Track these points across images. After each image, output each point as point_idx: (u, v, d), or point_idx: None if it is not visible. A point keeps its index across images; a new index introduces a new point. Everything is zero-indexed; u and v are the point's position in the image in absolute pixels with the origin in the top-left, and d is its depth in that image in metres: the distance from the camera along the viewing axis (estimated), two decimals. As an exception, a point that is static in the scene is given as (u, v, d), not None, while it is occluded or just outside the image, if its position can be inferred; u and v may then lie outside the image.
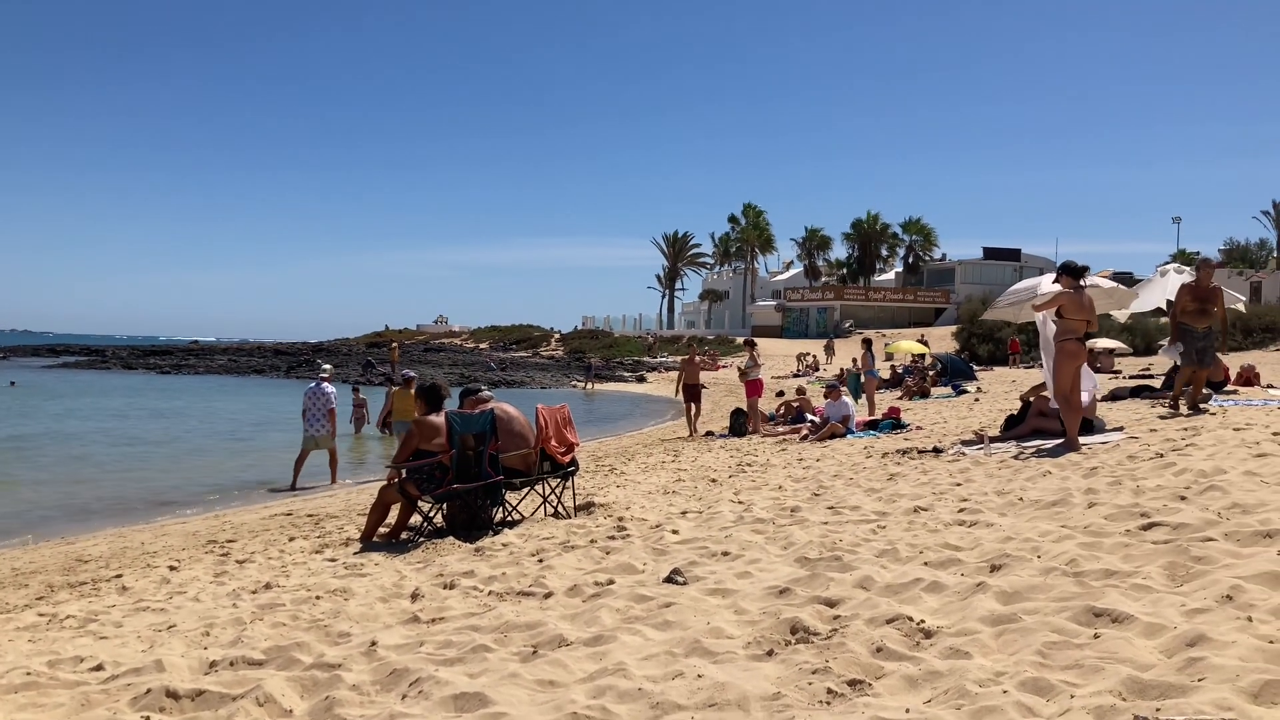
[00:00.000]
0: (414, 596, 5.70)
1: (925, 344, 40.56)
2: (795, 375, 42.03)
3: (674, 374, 52.31)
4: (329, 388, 16.39)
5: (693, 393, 19.82)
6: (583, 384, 49.69)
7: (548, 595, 5.39)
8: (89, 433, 24.59)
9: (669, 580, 5.34)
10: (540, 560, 6.58)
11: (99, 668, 4.57)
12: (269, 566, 7.71)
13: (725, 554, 6.04)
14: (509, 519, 8.84)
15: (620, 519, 8.15)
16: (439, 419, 8.52)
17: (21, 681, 4.39)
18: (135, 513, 13.82)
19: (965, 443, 11.52)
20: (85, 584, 7.69)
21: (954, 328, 57.89)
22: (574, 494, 9.40)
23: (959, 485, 8.25)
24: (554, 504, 9.17)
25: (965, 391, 25.39)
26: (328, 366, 18.28)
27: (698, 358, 21.59)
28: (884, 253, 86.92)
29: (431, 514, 8.52)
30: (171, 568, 8.09)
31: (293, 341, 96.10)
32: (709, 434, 19.09)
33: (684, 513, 8.30)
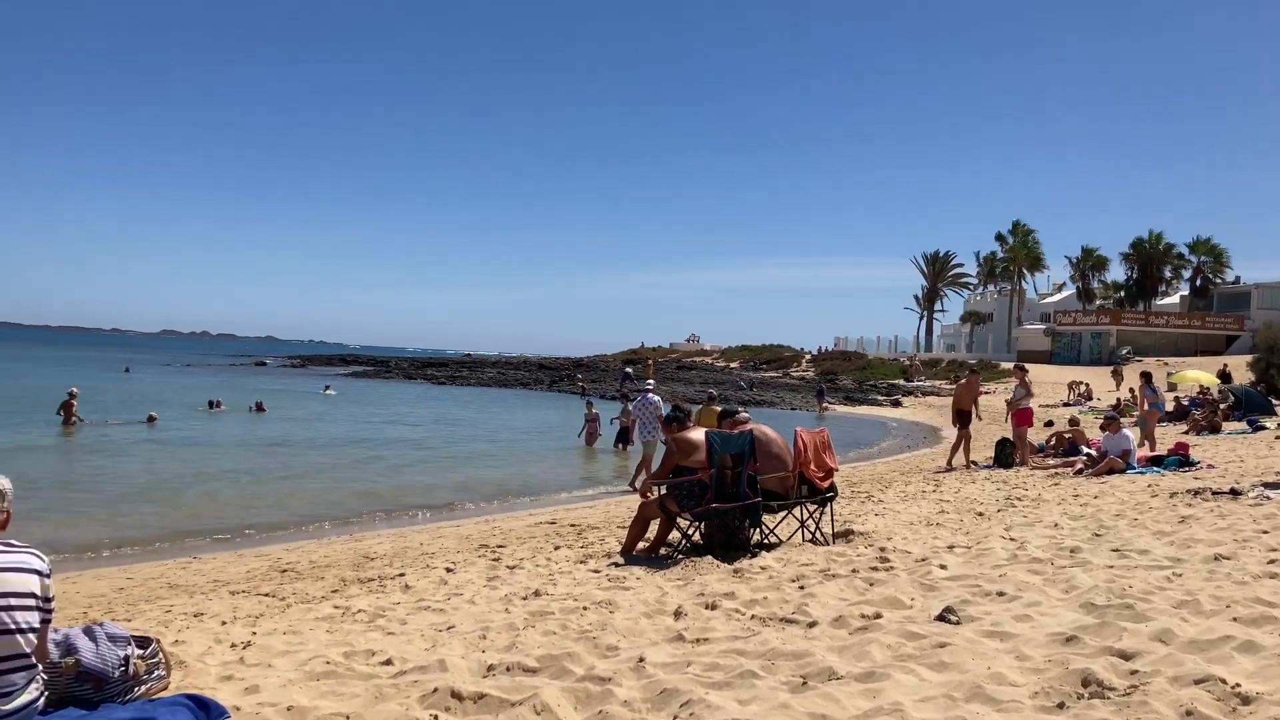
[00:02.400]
0: (677, 614, 5.74)
1: (1227, 375, 37.12)
2: (1066, 404, 39.57)
3: (932, 399, 50.77)
4: (655, 397, 17.19)
5: (965, 418, 18.91)
6: (819, 405, 48.91)
7: (812, 624, 5.29)
8: (375, 437, 26.59)
9: (941, 619, 5.11)
10: (801, 587, 6.47)
11: (388, 662, 4.87)
12: (537, 573, 8.00)
13: (1000, 594, 5.72)
14: (766, 542, 8.78)
15: (882, 549, 7.91)
16: (697, 436, 8.58)
17: (323, 669, 4.74)
18: (412, 514, 14.80)
19: (1269, 485, 10.44)
20: (373, 580, 8.26)
21: (1249, 357, 52.79)
22: (832, 520, 9.22)
23: (1265, 533, 7.47)
24: (811, 529, 9.03)
25: (1263, 428, 23.03)
26: (651, 382, 19.83)
27: (973, 382, 20.47)
28: (1167, 275, 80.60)
29: (690, 531, 8.59)
30: (448, 569, 8.55)
31: (555, 356, 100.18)
32: (972, 464, 18.26)
33: (951, 547, 7.95)
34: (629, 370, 62.96)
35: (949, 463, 18.75)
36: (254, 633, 5.99)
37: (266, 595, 7.82)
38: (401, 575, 8.38)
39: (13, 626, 3.76)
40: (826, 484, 9.14)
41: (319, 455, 22.02)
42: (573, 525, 11.83)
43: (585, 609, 6.05)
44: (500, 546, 10.10)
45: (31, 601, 3.85)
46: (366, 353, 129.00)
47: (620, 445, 24.65)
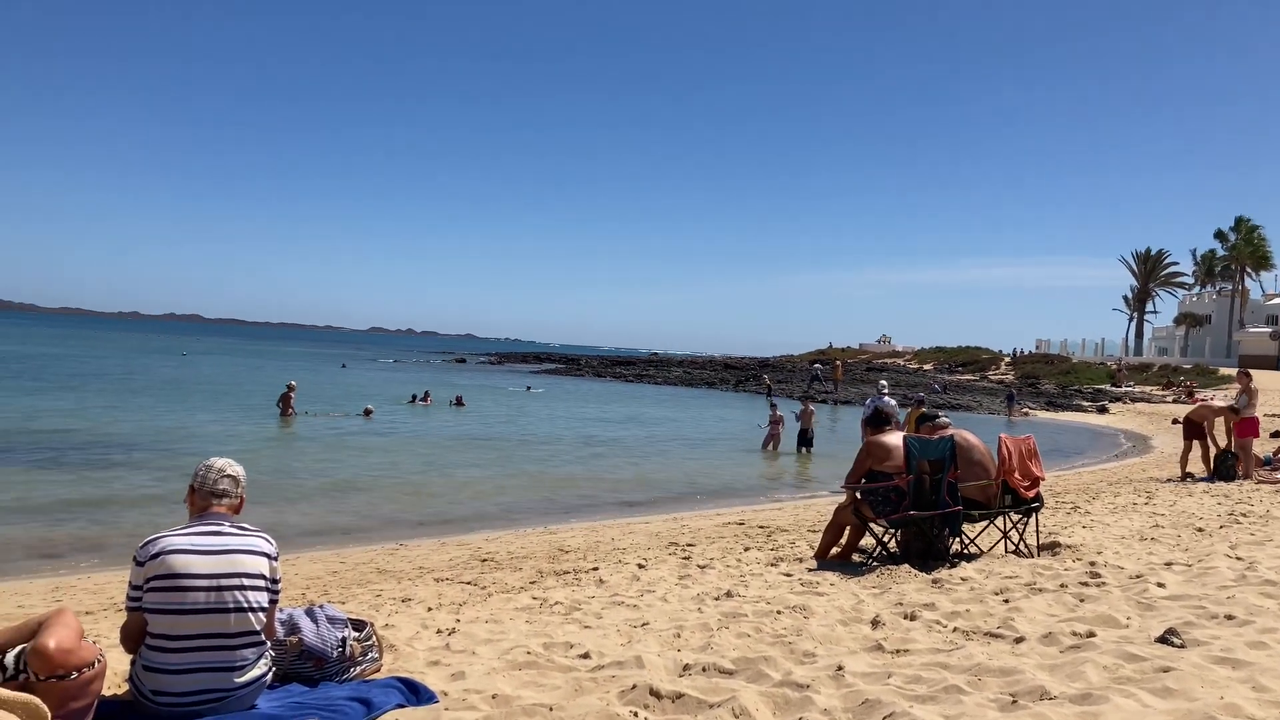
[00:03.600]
0: (875, 623, 5.60)
1: None
2: (1295, 414, 36.49)
3: (1141, 405, 47.73)
4: (890, 400, 17.05)
5: (1197, 430, 17.58)
6: (1008, 411, 46.77)
7: (1019, 640, 5.05)
8: (566, 433, 27.24)
9: (1163, 641, 4.78)
10: (1005, 600, 6.20)
11: (586, 655, 4.95)
12: (728, 574, 7.98)
13: (1229, 618, 5.30)
14: (966, 551, 8.46)
15: (1092, 564, 7.49)
16: (892, 440, 8.35)
17: (524, 659, 4.87)
18: (604, 509, 15.07)
19: None
20: (568, 573, 8.44)
21: None
22: (1037, 532, 8.80)
23: None
24: (1015, 540, 8.65)
25: None
26: (884, 382, 19.69)
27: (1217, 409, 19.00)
28: None
29: (885, 539, 8.38)
30: (640, 566, 8.64)
31: (741, 356, 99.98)
32: (1187, 476, 17.05)
33: (1168, 564, 7.44)
34: (817, 369, 62.13)
35: (1183, 473, 17.44)
36: (458, 620, 6.22)
37: (468, 583, 8.11)
38: (595, 569, 8.52)
39: (246, 605, 4.03)
40: (1032, 493, 8.73)
41: (515, 449, 22.74)
42: (761, 527, 11.75)
43: (779, 613, 5.98)
44: (690, 545, 10.14)
45: (261, 582, 4.12)
46: (562, 351, 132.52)
47: (803, 449, 24.35)
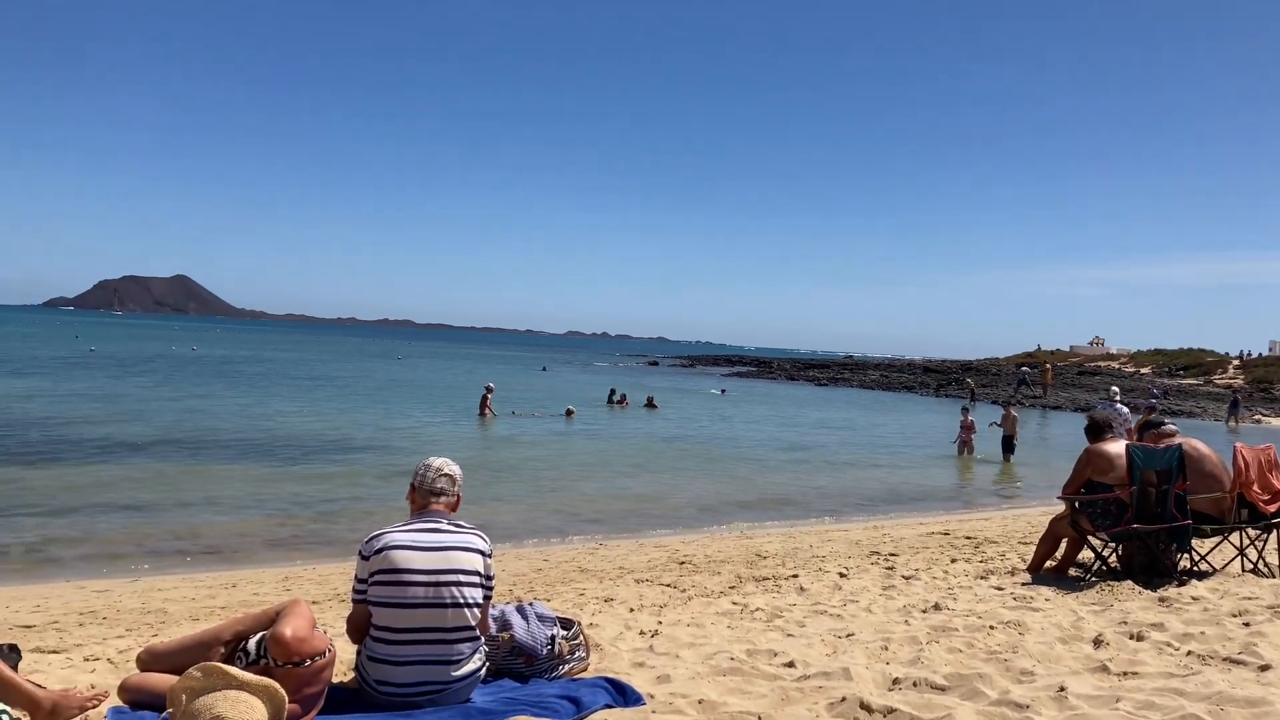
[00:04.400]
0: (1097, 643, 5.28)
1: None
2: None
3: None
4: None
5: None
6: (1232, 418, 43.24)
7: (1264, 668, 4.65)
8: (760, 436, 27.12)
9: None
10: (1245, 624, 5.72)
11: (791, 664, 4.88)
12: (934, 586, 7.72)
13: None
14: (1196, 569, 7.88)
15: (1345, 586, 6.84)
16: (1114, 449, 7.86)
17: (728, 665, 4.85)
18: (799, 514, 14.90)
19: None
20: (767, 579, 8.37)
21: None
22: (1278, 549, 8.11)
23: None
24: (1253, 559, 8.00)
25: None
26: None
27: None
28: None
29: (1105, 553, 7.90)
30: (841, 574, 8.48)
31: (942, 359, 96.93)
32: None
33: None
34: (1024, 372, 59.50)
35: None
36: (660, 622, 6.26)
37: (668, 586, 8.17)
38: (795, 576, 8.42)
39: (462, 601, 4.17)
40: (1274, 508, 8.04)
41: (707, 451, 22.80)
42: (968, 538, 11.32)
43: (992, 628, 5.73)
44: (893, 555, 9.88)
45: (477, 579, 4.25)
46: (756, 354, 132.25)
47: (1005, 456, 23.35)
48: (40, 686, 3.83)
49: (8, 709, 3.79)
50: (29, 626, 6.91)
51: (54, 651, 5.72)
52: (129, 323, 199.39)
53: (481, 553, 4.30)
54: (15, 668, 4.27)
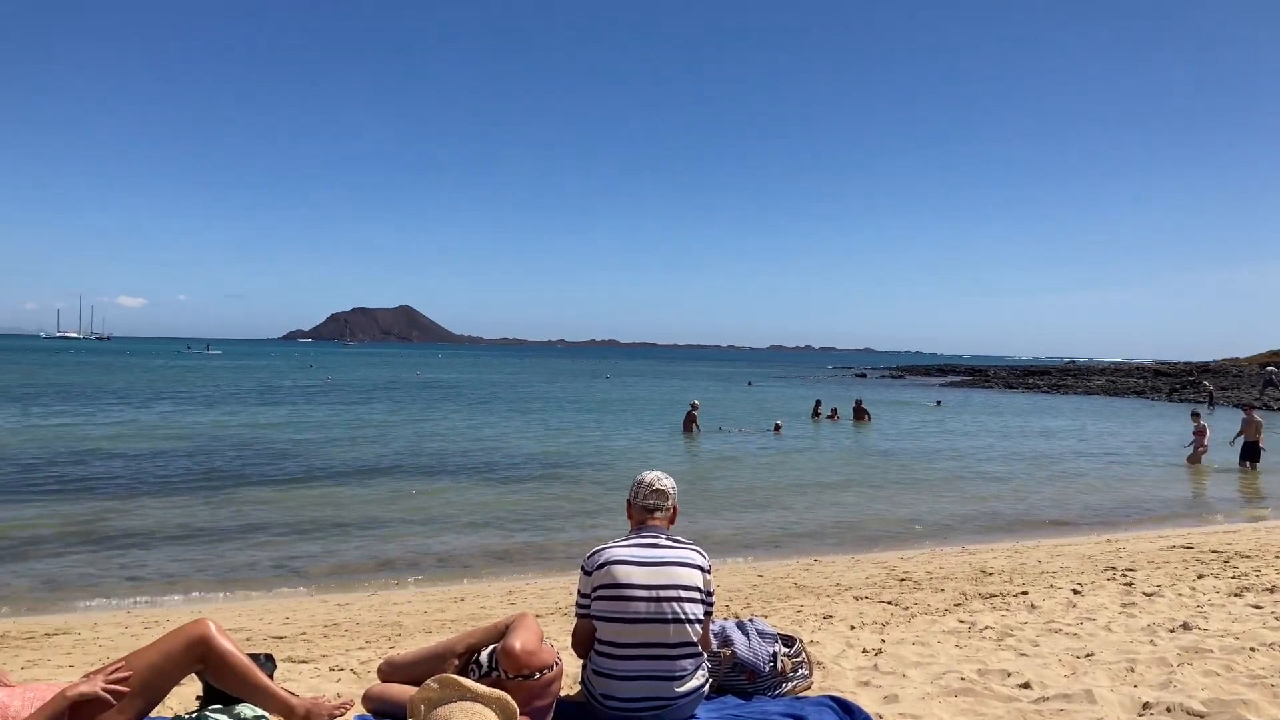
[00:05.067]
0: (1381, 669, 4.76)
1: None
2: None
3: None
4: None
5: None
6: None
7: None
8: (973, 448, 26.08)
9: None
10: None
11: (1026, 685, 4.64)
12: (1180, 604, 7.18)
13: None
14: None
15: None
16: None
17: (959, 686, 4.66)
18: (1024, 529, 14.21)
19: None
20: (994, 596, 8.01)
21: None
22: None
23: None
24: None
25: None
26: None
27: None
28: None
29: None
30: (1075, 591, 8.01)
31: (1174, 362, 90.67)
32: None
33: None
34: (1271, 372, 54.80)
35: None
36: (883, 640, 6.09)
37: (889, 603, 7.94)
38: (1025, 593, 8.02)
39: (683, 617, 4.17)
40: None
41: (926, 464, 22.12)
42: (1215, 552, 10.48)
43: (1253, 650, 5.26)
44: (1130, 570, 9.26)
45: (697, 594, 4.24)
46: (970, 362, 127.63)
47: (1247, 463, 21.51)
48: (293, 694, 4.09)
49: (265, 715, 4.06)
50: (280, 637, 7.42)
51: (303, 661, 6.11)
52: (359, 351, 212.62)
53: (701, 568, 4.29)
54: (271, 676, 4.58)
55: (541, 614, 8.20)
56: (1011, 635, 6.16)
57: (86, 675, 3.80)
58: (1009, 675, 4.86)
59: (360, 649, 6.65)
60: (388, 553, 12.00)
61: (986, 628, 6.42)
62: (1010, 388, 66.72)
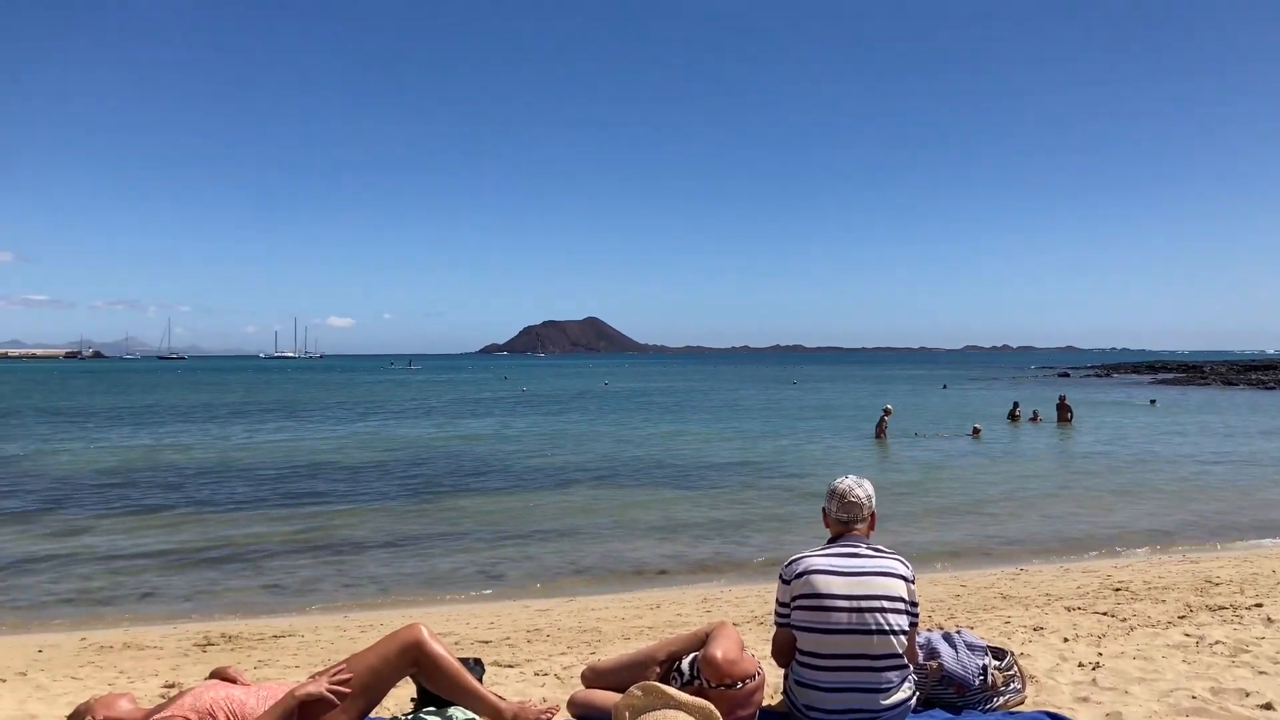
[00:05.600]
0: None
1: None
2: None
3: None
4: None
5: None
6: None
7: None
8: (1196, 450, 24.41)
9: None
10: None
11: (1268, 706, 4.30)
12: None
13: None
14: None
15: None
16: None
17: (1189, 704, 4.36)
18: (1254, 534, 13.22)
19: None
20: (1224, 608, 7.45)
21: None
22: None
23: None
24: None
25: None
26: None
27: None
28: None
29: None
30: (1319, 604, 7.37)
31: None
32: None
33: None
34: None
35: None
36: (1099, 654, 5.77)
37: (1104, 614, 7.51)
38: (1259, 605, 7.43)
39: (887, 628, 4.06)
40: None
41: (1141, 467, 20.86)
42: None
43: None
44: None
45: (901, 605, 4.13)
46: (1188, 358, 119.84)
47: None
48: (501, 698, 4.22)
49: (475, 717, 4.20)
50: (486, 642, 7.69)
51: (509, 666, 6.31)
52: (550, 363, 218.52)
53: (904, 578, 4.17)
54: (480, 680, 4.75)
55: (738, 622, 8.17)
56: (1247, 651, 5.72)
57: (312, 676, 4.05)
58: (1247, 695, 4.51)
59: (562, 654, 6.81)
60: (585, 559, 12.26)
61: (1217, 642, 5.98)
62: (1230, 384, 62.11)
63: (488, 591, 10.78)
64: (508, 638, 7.83)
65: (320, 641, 7.91)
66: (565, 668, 6.02)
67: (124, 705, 4.03)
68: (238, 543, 13.29)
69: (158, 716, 3.83)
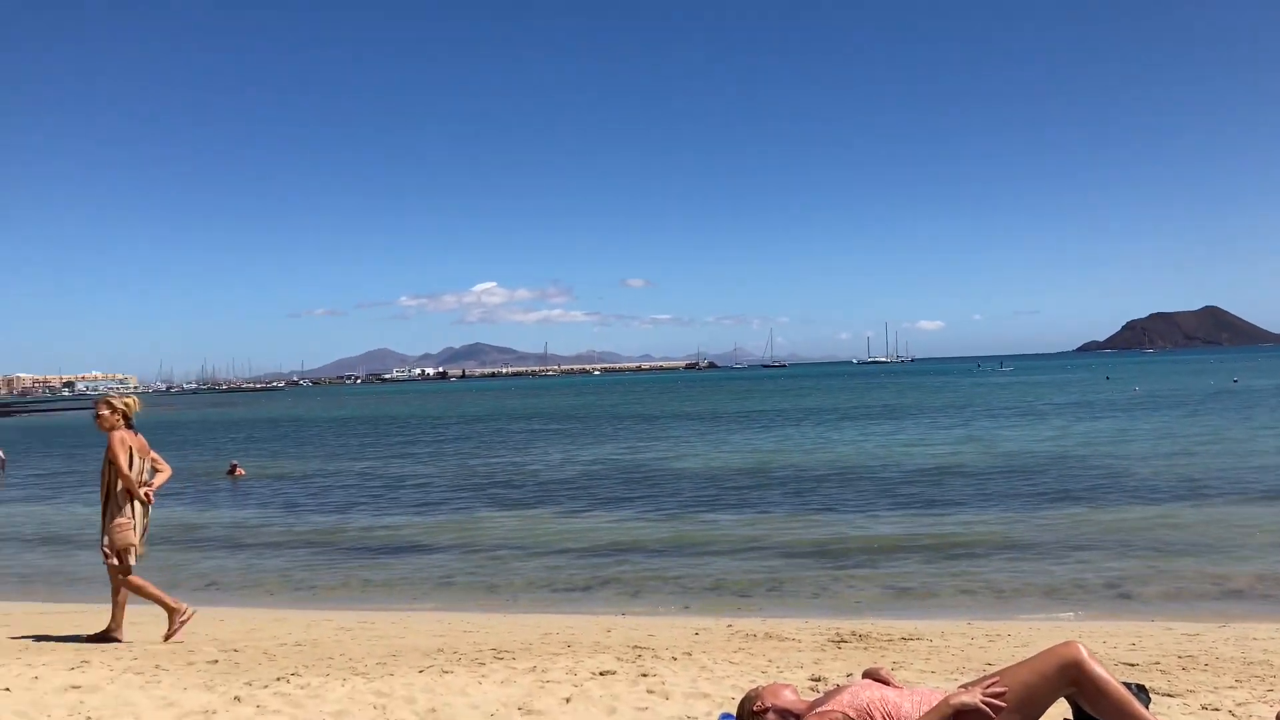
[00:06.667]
0: None
1: None
2: None
3: None
4: None
5: None
6: None
7: None
8: None
9: None
10: None
11: None
12: None
13: None
14: None
15: None
16: None
17: None
18: None
19: None
20: None
21: None
22: None
23: None
24: None
25: None
26: None
27: None
28: None
29: None
30: None
31: None
32: None
33: None
34: None
35: None
36: None
37: None
38: None
39: None
40: None
41: None
42: None
43: None
44: None
45: None
46: None
47: None
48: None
49: None
50: (1131, 664, 7.04)
51: (1166, 694, 5.70)
52: (1160, 360, 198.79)
53: None
54: (1146, 708, 4.32)
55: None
56: None
57: (964, 686, 3.97)
58: None
59: (1230, 688, 5.99)
60: (1234, 580, 10.83)
61: None
62: None
63: (1112, 608, 9.97)
64: (1157, 663, 7.10)
65: (950, 648, 7.81)
66: (1239, 704, 5.29)
67: (788, 695, 4.27)
68: (855, 542, 13.77)
69: (819, 710, 4.00)
